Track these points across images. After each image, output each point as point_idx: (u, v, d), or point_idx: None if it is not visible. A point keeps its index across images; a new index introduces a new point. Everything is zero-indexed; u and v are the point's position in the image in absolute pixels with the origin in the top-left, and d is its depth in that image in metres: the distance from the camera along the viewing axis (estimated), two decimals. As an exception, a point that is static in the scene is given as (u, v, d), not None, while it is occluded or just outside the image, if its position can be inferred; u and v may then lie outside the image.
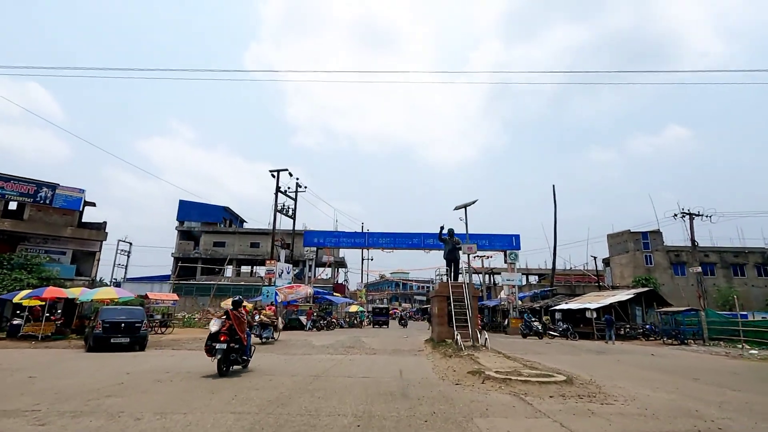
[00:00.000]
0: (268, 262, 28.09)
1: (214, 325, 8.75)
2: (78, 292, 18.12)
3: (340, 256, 52.98)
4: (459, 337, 13.93)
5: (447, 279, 17.01)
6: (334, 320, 30.07)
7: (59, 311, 20.30)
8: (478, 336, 14.55)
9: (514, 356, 12.39)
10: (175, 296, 24.97)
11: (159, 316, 23.69)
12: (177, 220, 51.27)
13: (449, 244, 17.77)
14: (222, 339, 8.48)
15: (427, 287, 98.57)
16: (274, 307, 22.83)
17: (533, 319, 26.39)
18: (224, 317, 8.88)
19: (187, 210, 51.10)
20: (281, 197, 30.34)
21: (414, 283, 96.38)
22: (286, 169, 29.60)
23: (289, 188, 31.34)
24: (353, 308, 34.34)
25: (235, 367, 8.94)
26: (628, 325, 25.85)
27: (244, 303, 10.10)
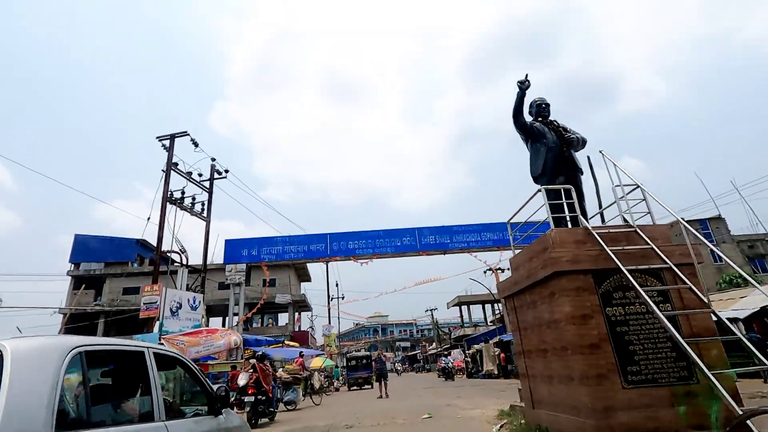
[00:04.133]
0: (147, 287, 15.42)
1: (242, 379, 9.98)
2: None
3: (301, 293, 40.03)
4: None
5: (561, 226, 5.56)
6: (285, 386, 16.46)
7: None
8: None
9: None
10: None
11: None
12: (70, 262, 37.30)
13: (544, 134, 6.18)
14: (250, 392, 9.46)
15: (411, 331, 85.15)
16: (301, 359, 16.98)
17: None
18: (251, 370, 10.10)
19: (84, 247, 37.35)
20: (189, 187, 18.23)
21: (396, 328, 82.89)
22: (186, 133, 17.75)
23: (201, 175, 19.36)
24: (316, 362, 21.35)
25: (263, 420, 9.67)
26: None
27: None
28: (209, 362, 16.42)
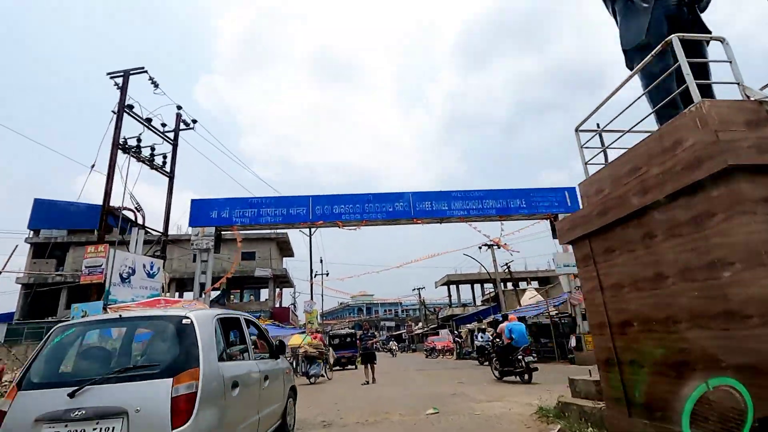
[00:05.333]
0: (90, 248, 12.92)
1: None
2: None
3: (282, 267, 37.74)
4: None
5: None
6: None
7: None
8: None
9: None
10: None
11: None
12: (29, 228, 34.17)
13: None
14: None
15: (396, 311, 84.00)
16: (320, 335, 17.71)
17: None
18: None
19: (45, 213, 34.20)
20: (146, 136, 15.57)
21: (381, 307, 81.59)
22: (143, 70, 14.98)
23: (165, 125, 16.64)
24: (295, 340, 19.23)
25: None
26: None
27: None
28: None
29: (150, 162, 15.75)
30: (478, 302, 47.13)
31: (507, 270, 28.08)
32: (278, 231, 37.73)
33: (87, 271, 12.63)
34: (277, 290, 40.53)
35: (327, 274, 40.05)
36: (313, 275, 37.84)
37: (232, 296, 43.56)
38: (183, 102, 17.76)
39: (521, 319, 23.53)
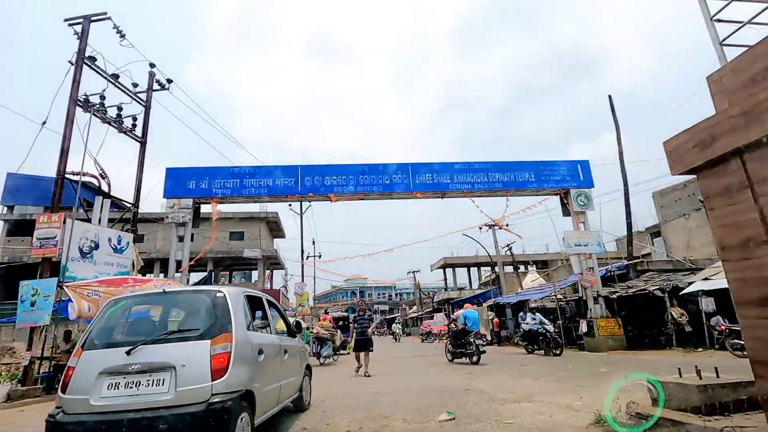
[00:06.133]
0: (43, 217, 11.24)
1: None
2: None
3: (273, 248, 36.16)
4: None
5: None
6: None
7: None
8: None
9: None
10: None
11: None
12: (2, 204, 32.21)
13: None
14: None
15: (390, 294, 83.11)
16: (329, 316, 16.93)
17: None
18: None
19: (19, 188, 32.18)
20: (113, 95, 13.81)
21: (374, 291, 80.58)
22: (106, 16, 13.11)
23: (136, 85, 14.81)
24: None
25: None
26: None
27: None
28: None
29: (118, 123, 13.96)
30: (475, 286, 46.02)
31: (509, 251, 26.72)
32: (268, 210, 36.06)
33: (38, 243, 11.01)
34: (267, 272, 39.03)
35: (320, 256, 38.59)
36: (305, 257, 36.41)
37: (222, 278, 42.06)
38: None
39: (523, 302, 22.32)
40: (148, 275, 22.51)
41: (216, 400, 3.30)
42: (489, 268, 43.55)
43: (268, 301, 5.23)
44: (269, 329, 4.76)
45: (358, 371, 10.37)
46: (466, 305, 14.37)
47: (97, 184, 13.18)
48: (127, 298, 4.28)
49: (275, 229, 38.65)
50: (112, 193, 13.52)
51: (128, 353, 3.44)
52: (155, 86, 15.68)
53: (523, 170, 16.42)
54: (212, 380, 3.36)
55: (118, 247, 12.99)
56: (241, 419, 3.51)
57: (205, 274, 34.27)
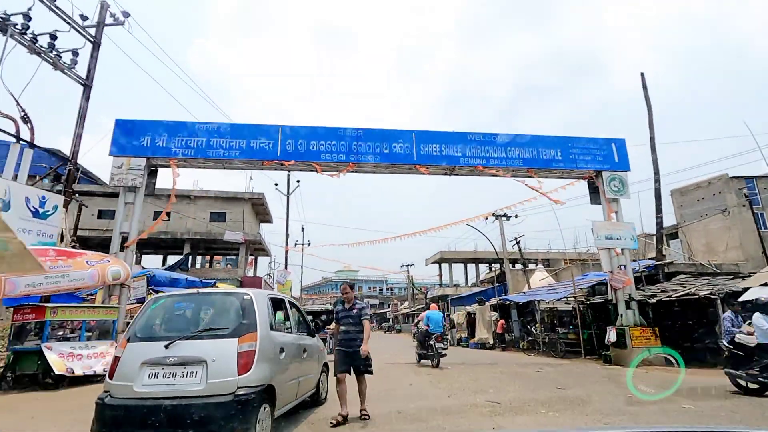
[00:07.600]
0: None
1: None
2: None
3: (257, 232, 33.36)
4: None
5: None
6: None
7: None
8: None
9: None
10: None
11: None
12: (-43, 169, 29.06)
13: None
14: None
15: (381, 288, 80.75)
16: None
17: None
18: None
19: (-23, 152, 29.04)
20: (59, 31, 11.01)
21: (365, 284, 78.09)
22: None
23: (86, 18, 11.96)
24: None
25: None
26: None
27: None
28: (69, 308, 9.81)
29: (53, 57, 11.09)
30: (471, 283, 43.54)
31: (516, 245, 24.17)
32: (254, 191, 33.25)
33: None
34: (250, 258, 36.26)
35: (308, 244, 35.85)
36: (294, 244, 33.69)
37: (206, 263, 39.19)
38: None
39: (529, 302, 19.80)
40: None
41: (241, 392, 3.74)
42: (487, 265, 41.05)
43: (290, 303, 5.72)
44: (291, 329, 5.34)
45: (340, 421, 5.04)
46: (432, 306, 14.19)
47: (15, 130, 10.33)
48: (165, 296, 4.84)
49: (261, 212, 35.85)
50: (13, 119, 10.50)
51: (166, 347, 3.93)
52: (108, 20, 12.84)
53: (549, 146, 13.80)
54: (238, 375, 3.82)
55: (40, 210, 10.20)
56: (264, 409, 3.99)
57: (182, 257, 31.52)
